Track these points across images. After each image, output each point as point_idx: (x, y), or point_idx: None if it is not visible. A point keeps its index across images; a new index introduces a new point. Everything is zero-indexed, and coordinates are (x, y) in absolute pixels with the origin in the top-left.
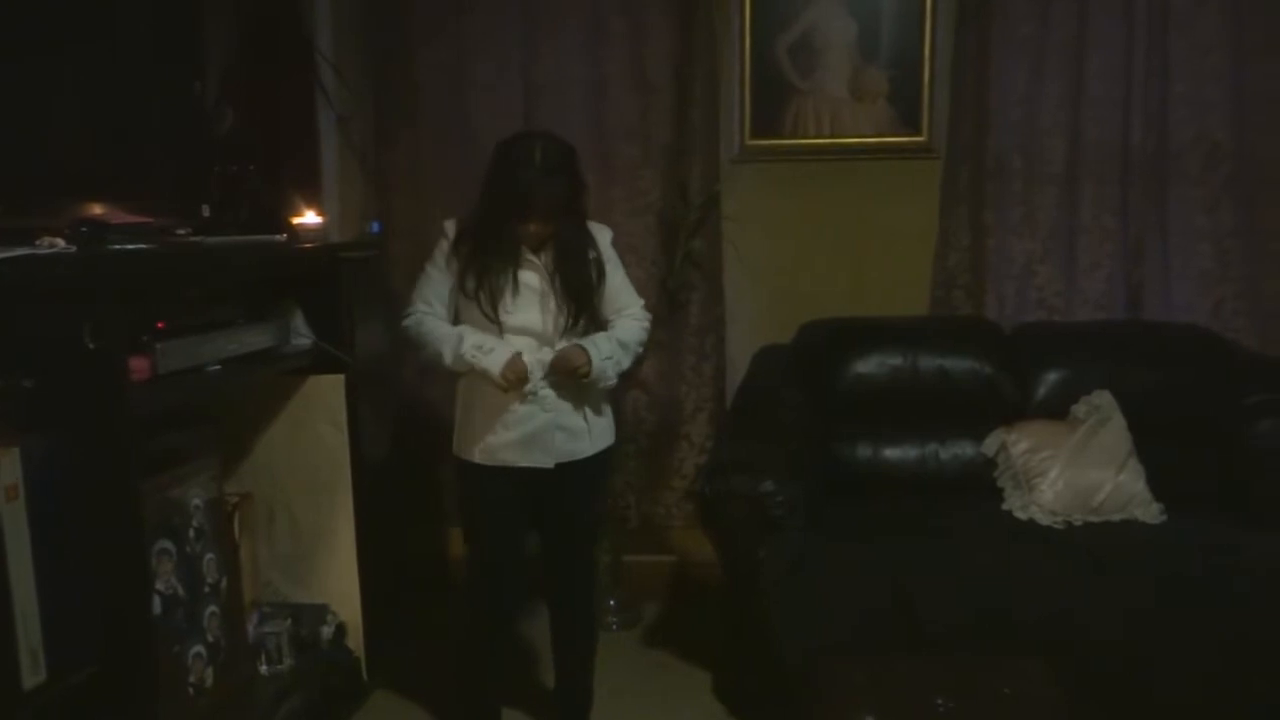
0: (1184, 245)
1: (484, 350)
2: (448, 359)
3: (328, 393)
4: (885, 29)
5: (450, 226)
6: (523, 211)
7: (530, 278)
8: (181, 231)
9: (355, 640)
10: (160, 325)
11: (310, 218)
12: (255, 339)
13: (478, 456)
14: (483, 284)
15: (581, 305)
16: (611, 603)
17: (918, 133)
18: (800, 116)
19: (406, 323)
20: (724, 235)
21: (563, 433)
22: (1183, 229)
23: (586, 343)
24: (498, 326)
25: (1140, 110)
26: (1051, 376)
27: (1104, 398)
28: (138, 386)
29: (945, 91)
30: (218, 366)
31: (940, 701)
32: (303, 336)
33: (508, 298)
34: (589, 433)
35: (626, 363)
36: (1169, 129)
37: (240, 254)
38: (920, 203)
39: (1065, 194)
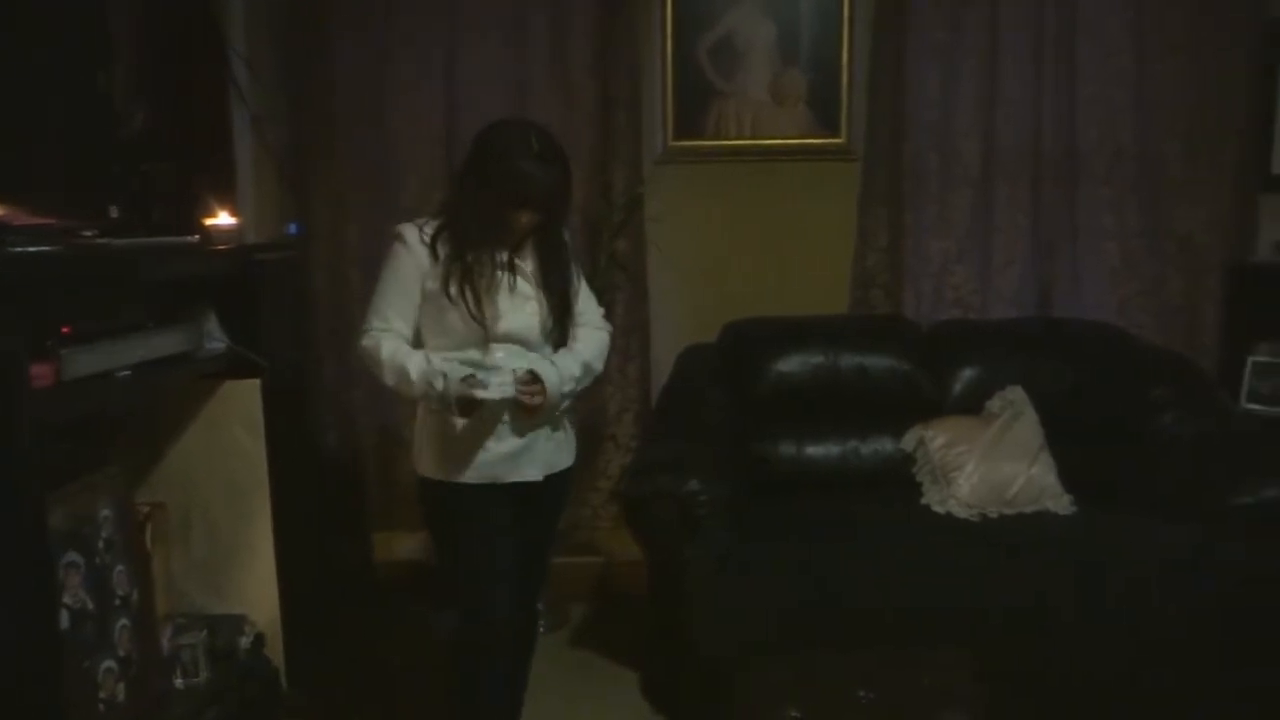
0: (1092, 244)
1: (442, 391)
2: (420, 392)
3: (243, 397)
4: (804, 33)
5: (410, 231)
6: (520, 202)
7: (520, 280)
8: (88, 233)
9: (275, 650)
10: (66, 330)
11: (224, 219)
12: (167, 343)
13: (469, 477)
14: (466, 287)
15: (565, 310)
16: (539, 605)
17: (837, 135)
18: (722, 118)
19: (365, 343)
20: (648, 236)
21: (549, 443)
22: (1091, 228)
23: (547, 368)
24: (483, 333)
25: (1050, 113)
26: (967, 373)
27: (1017, 393)
28: (40, 394)
29: (863, 95)
30: (127, 372)
31: (862, 694)
32: (217, 340)
33: (499, 302)
34: (569, 443)
35: (584, 384)
36: (1077, 132)
37: (150, 256)
38: (839, 203)
39: (979, 195)
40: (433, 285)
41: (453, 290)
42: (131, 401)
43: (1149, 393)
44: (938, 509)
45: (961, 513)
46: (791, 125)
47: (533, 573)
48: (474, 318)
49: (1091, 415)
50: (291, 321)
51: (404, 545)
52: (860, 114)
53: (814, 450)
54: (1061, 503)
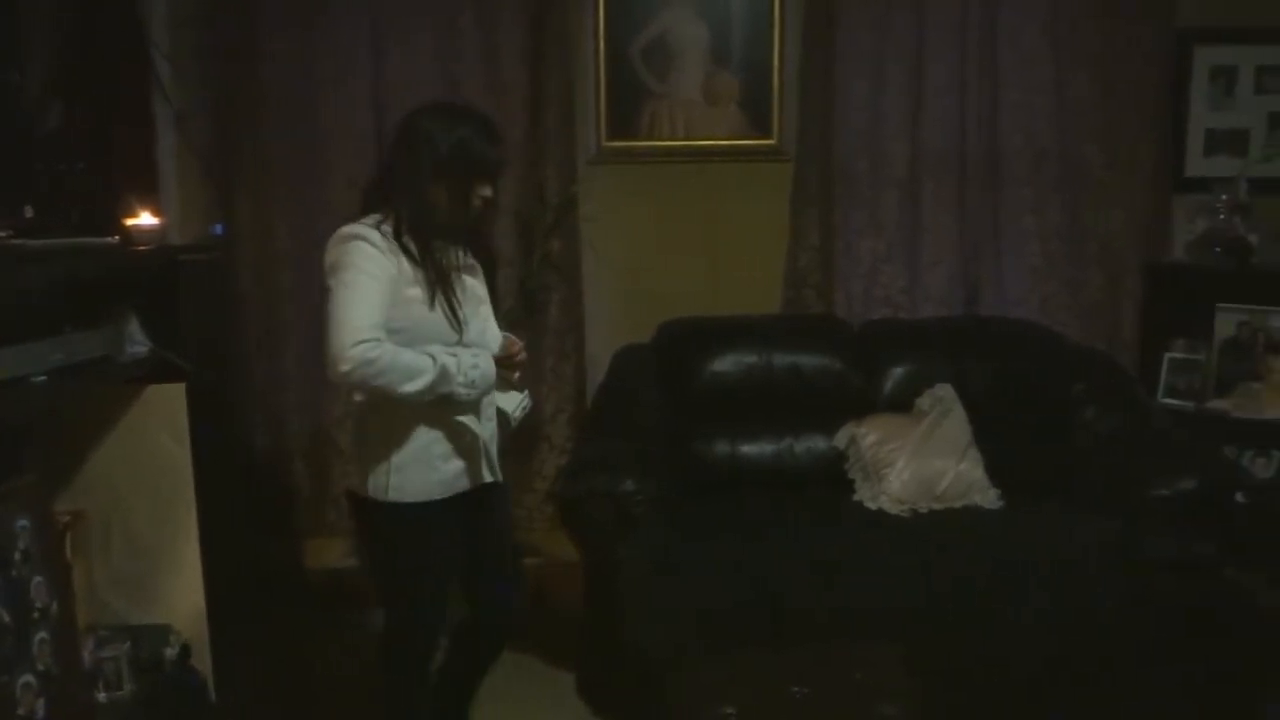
0: (1015, 244)
1: (477, 369)
2: (441, 389)
3: (167, 402)
4: (736, 35)
5: (369, 232)
6: (483, 178)
7: (472, 279)
8: (1, 234)
9: (202, 660)
10: None
11: (146, 219)
12: (85, 347)
13: (437, 492)
14: (441, 290)
15: (495, 309)
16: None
17: (768, 136)
18: (656, 119)
19: (368, 354)
20: (582, 236)
21: (493, 442)
22: (1014, 229)
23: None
24: (458, 338)
25: (974, 117)
26: (897, 371)
27: (946, 390)
28: None
29: (794, 97)
30: (43, 377)
31: (796, 690)
32: (139, 344)
33: (467, 303)
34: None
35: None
36: (1000, 135)
37: (66, 257)
38: (772, 204)
39: (907, 196)
40: (410, 289)
41: (435, 294)
42: (49, 407)
43: (1071, 389)
44: (870, 505)
45: (893, 509)
46: (724, 126)
47: (498, 601)
48: (450, 326)
49: (1017, 411)
50: (218, 324)
51: (336, 551)
52: (792, 115)
53: (748, 449)
54: (989, 497)
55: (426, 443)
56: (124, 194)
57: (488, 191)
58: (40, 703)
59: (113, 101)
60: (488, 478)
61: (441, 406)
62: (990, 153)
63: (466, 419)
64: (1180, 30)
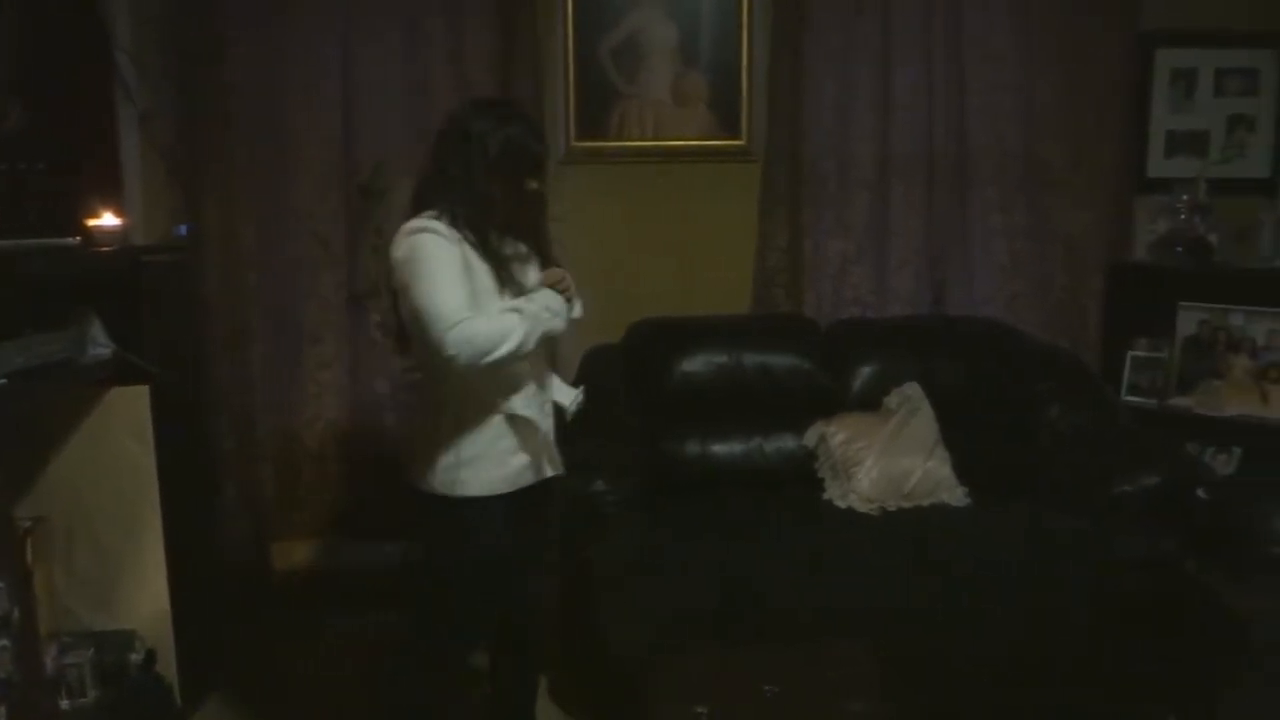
0: (982, 245)
1: (547, 305)
2: (537, 333)
3: (131, 405)
4: (705, 36)
5: (437, 224)
6: (535, 173)
7: (527, 266)
8: None
9: (167, 666)
10: None
11: (108, 220)
12: (47, 350)
13: (502, 487)
14: (506, 275)
15: None
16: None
17: (737, 137)
18: (625, 119)
19: (468, 332)
20: (551, 236)
21: (552, 435)
22: (980, 229)
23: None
24: None
25: (941, 118)
26: (866, 370)
27: (913, 389)
28: None
29: (763, 98)
30: (3, 380)
31: (768, 689)
32: (101, 346)
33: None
34: None
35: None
36: (967, 136)
37: (27, 259)
38: (741, 204)
39: (875, 197)
40: (479, 277)
41: (501, 281)
42: (9, 411)
43: (1037, 387)
44: (839, 504)
45: (862, 507)
46: (693, 127)
47: (529, 607)
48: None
49: (984, 409)
50: (182, 325)
51: (304, 554)
52: (761, 116)
53: (719, 449)
54: (956, 495)
55: (493, 437)
56: (86, 194)
57: (535, 185)
58: (1, 710)
59: (75, 101)
60: (549, 471)
61: (506, 398)
62: (957, 154)
63: (530, 412)
64: (1142, 34)
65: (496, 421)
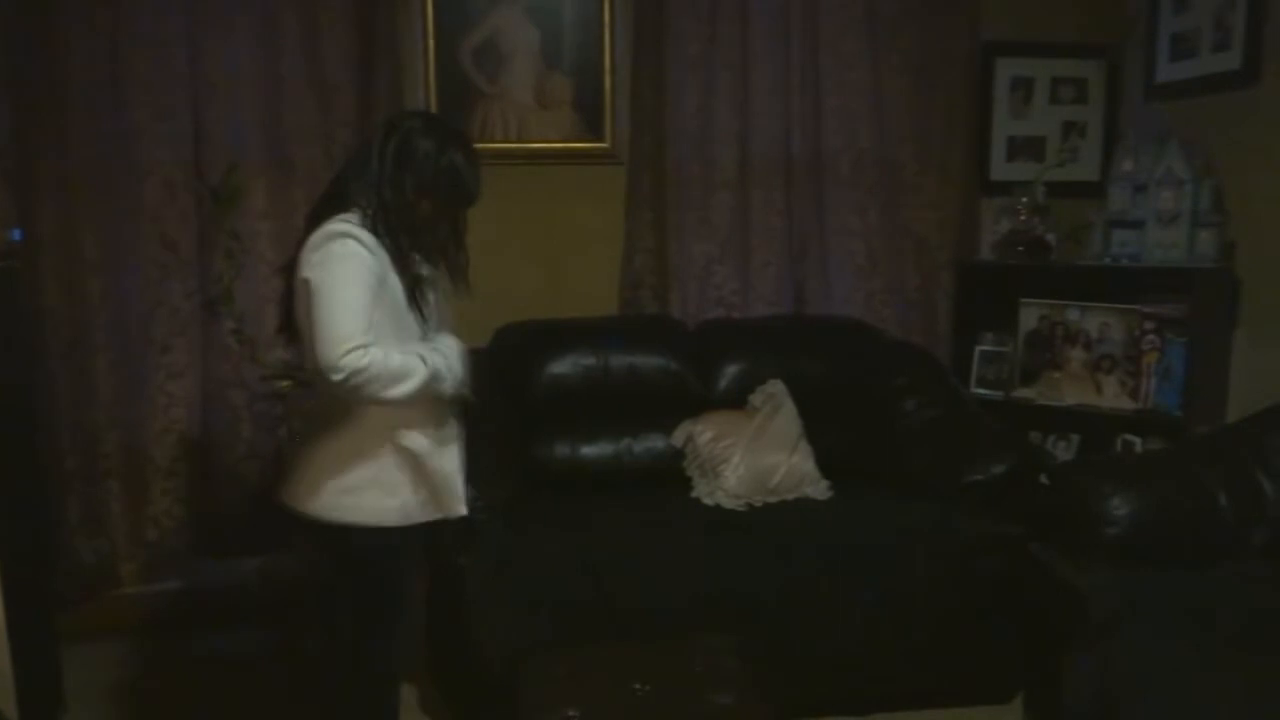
0: (840, 244)
1: (452, 371)
2: (433, 387)
3: None
4: (568, 38)
5: (359, 231)
6: (464, 205)
7: (433, 277)
8: None
9: (5, 697)
10: None
11: None
12: None
13: (417, 514)
14: (420, 296)
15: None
16: None
17: (602, 139)
18: (488, 121)
19: (363, 361)
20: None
21: (461, 475)
22: (838, 229)
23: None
24: (424, 333)
25: (798, 122)
26: (731, 369)
27: (777, 386)
28: None
29: (626, 101)
30: None
31: (637, 686)
32: None
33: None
34: None
35: None
36: (823, 139)
37: None
38: (607, 206)
39: (737, 199)
40: (394, 291)
41: (410, 298)
42: None
43: (893, 382)
44: (707, 501)
45: (729, 503)
46: (557, 129)
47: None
48: (421, 330)
49: (844, 404)
50: (17, 336)
51: (156, 573)
52: (624, 119)
53: (589, 450)
54: (820, 488)
55: (385, 466)
56: None
57: (457, 219)
58: None
59: None
60: (451, 511)
61: (401, 429)
62: (815, 157)
63: (420, 446)
64: (984, 43)
65: (388, 450)
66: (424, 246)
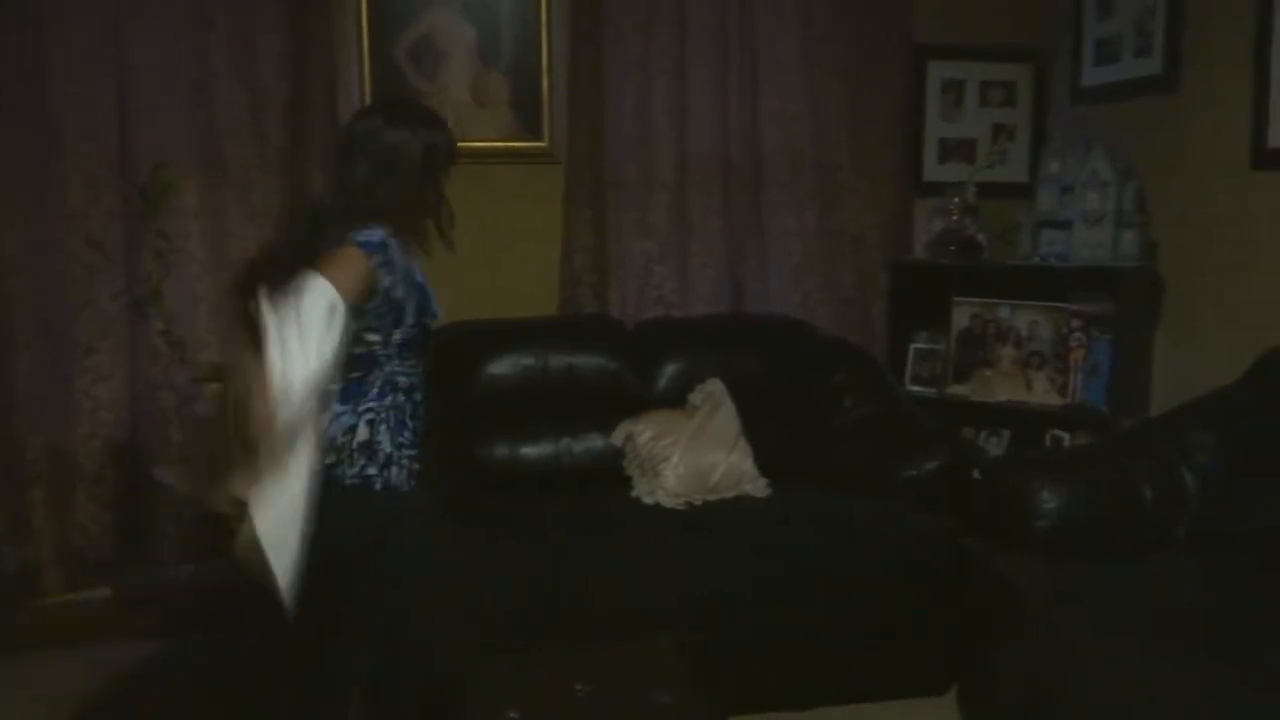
0: (777, 244)
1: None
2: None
3: None
4: (505, 36)
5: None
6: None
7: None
8: None
9: None
10: None
11: None
12: None
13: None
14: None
15: None
16: None
17: (540, 139)
18: None
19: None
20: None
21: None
22: (776, 229)
23: None
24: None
25: (736, 123)
26: (670, 368)
27: (716, 385)
28: None
29: (564, 100)
30: None
31: (579, 688)
32: None
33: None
34: None
35: None
36: (761, 140)
37: None
38: (546, 206)
39: (676, 199)
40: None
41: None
42: None
43: (830, 380)
44: (647, 500)
45: (669, 502)
46: (495, 128)
47: None
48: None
49: (782, 402)
50: None
51: (83, 582)
52: (563, 119)
53: (528, 450)
54: (758, 486)
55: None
56: None
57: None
58: None
59: None
60: None
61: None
62: (752, 157)
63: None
64: (917, 46)
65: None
66: (437, 219)
